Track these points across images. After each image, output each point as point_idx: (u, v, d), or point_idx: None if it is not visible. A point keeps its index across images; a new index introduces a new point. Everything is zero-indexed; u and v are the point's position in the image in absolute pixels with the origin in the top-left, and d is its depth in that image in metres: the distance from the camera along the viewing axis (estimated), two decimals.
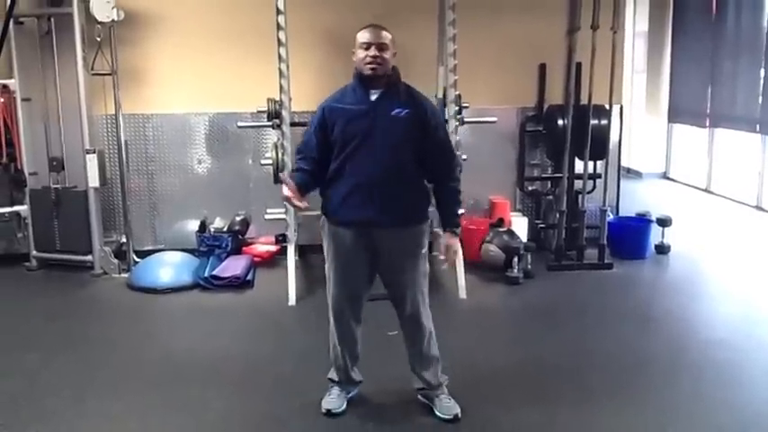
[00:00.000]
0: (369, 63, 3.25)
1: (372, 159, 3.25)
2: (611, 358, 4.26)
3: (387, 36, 3.31)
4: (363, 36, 3.30)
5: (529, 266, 5.86)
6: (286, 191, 3.19)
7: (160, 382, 3.97)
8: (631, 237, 6.46)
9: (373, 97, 3.30)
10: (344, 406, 3.54)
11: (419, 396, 3.61)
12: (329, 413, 3.49)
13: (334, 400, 3.53)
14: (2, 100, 5.92)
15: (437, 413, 3.51)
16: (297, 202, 3.21)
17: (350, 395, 3.61)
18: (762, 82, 7.98)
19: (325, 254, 3.47)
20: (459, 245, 3.51)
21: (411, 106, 3.32)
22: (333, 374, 3.61)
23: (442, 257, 3.51)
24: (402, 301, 3.45)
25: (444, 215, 3.48)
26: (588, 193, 6.29)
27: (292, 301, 5.21)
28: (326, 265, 3.47)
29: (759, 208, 8.36)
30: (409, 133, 3.29)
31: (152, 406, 3.69)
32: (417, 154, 3.33)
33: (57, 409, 3.64)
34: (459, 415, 3.47)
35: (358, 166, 3.27)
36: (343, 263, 3.39)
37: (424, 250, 3.46)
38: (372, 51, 3.25)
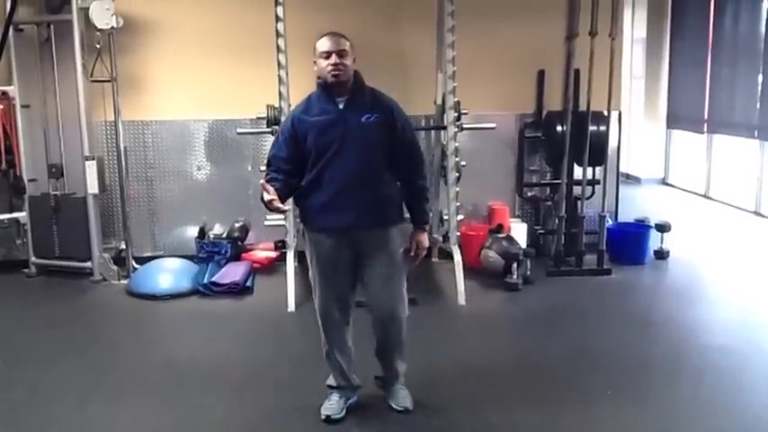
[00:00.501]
0: (331, 71, 3.30)
1: (347, 167, 3.31)
2: (610, 364, 4.26)
3: (345, 43, 3.36)
4: (323, 45, 3.35)
5: (528, 272, 5.86)
6: (267, 195, 3.20)
7: (161, 389, 3.96)
8: (630, 242, 6.46)
9: (341, 105, 3.36)
10: (344, 412, 3.54)
11: (376, 384, 3.72)
12: (329, 419, 3.48)
13: (333, 405, 3.53)
14: (1, 107, 5.92)
15: (391, 404, 3.62)
16: (279, 205, 3.21)
17: (349, 401, 3.61)
18: (760, 88, 8.00)
19: (309, 261, 3.51)
20: (427, 241, 3.55)
21: (378, 110, 3.38)
22: (331, 380, 3.62)
23: (411, 254, 3.52)
24: (381, 298, 3.50)
25: (413, 212, 3.55)
26: (587, 198, 6.29)
27: (292, 307, 5.21)
28: (311, 273, 3.52)
29: (758, 213, 8.37)
30: (380, 137, 3.36)
31: (154, 412, 3.69)
32: (388, 156, 3.40)
33: (59, 417, 3.64)
34: (411, 408, 3.59)
35: (334, 175, 3.32)
36: (328, 266, 3.43)
37: (399, 249, 3.51)
38: (333, 59, 3.29)
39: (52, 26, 5.97)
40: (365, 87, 3.43)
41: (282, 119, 5.45)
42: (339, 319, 3.51)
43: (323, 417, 3.49)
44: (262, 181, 3.26)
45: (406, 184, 3.50)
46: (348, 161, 3.30)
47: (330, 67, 3.29)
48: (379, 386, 3.73)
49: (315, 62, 3.37)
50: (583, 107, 6.20)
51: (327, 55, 3.31)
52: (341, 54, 3.30)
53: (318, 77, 3.39)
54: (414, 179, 3.50)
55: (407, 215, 3.58)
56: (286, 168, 3.36)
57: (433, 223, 6.31)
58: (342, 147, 3.29)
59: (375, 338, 3.62)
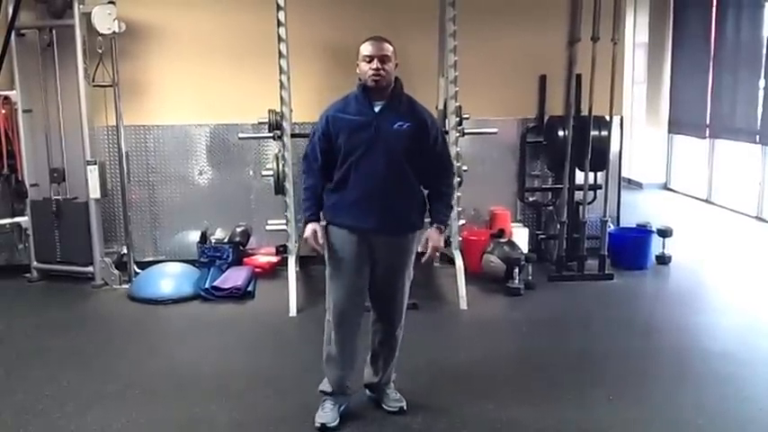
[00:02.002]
0: (372, 75, 3.33)
1: (374, 170, 3.35)
2: (612, 369, 4.26)
3: (389, 48, 3.38)
4: (366, 49, 3.36)
5: (530, 277, 5.86)
6: (312, 240, 3.39)
7: (163, 394, 3.96)
8: (632, 247, 6.46)
9: (377, 108, 3.39)
10: (338, 420, 3.51)
11: (366, 389, 3.74)
12: (324, 428, 3.46)
13: (327, 414, 3.51)
14: (3, 111, 5.93)
15: (385, 407, 3.66)
16: (318, 247, 3.39)
17: (342, 408, 3.59)
18: (761, 93, 8.00)
19: (327, 259, 3.52)
20: (441, 242, 3.57)
21: (412, 119, 3.41)
22: (326, 386, 3.59)
23: (422, 251, 3.55)
24: (388, 304, 3.56)
25: (433, 211, 3.57)
26: (589, 203, 6.29)
27: (293, 311, 5.21)
28: (328, 272, 3.53)
29: (760, 218, 8.36)
30: (410, 146, 3.39)
31: (155, 418, 3.68)
32: (416, 165, 3.43)
33: (61, 423, 3.63)
34: (405, 407, 3.63)
35: (361, 177, 3.36)
36: (346, 266, 3.45)
37: (413, 255, 3.57)
38: (375, 64, 3.32)
39: (54, 31, 5.98)
40: (403, 95, 3.47)
41: (284, 124, 5.47)
42: (354, 320, 3.54)
43: (317, 425, 3.47)
44: (310, 228, 3.40)
45: (432, 189, 3.54)
46: (375, 165, 3.34)
47: (371, 72, 3.32)
48: (369, 394, 3.75)
49: (357, 64, 3.40)
50: (585, 112, 6.20)
51: (370, 59, 3.34)
52: (383, 59, 3.33)
53: (359, 79, 3.41)
54: (440, 186, 3.55)
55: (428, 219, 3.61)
56: (320, 165, 3.45)
57: None
58: (370, 149, 3.34)
59: (373, 342, 3.64)
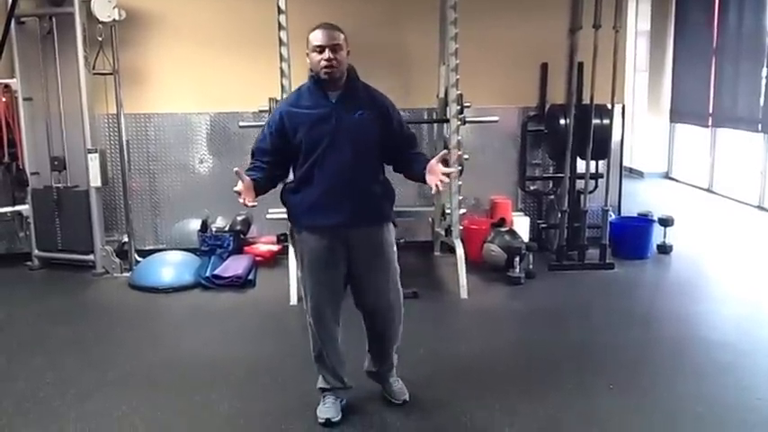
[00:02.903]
0: (325, 67, 3.19)
1: (339, 163, 3.23)
2: (612, 358, 4.26)
3: (340, 36, 3.25)
4: (316, 38, 3.22)
5: (530, 266, 5.86)
6: (239, 186, 3.13)
7: (163, 383, 3.97)
8: (633, 237, 6.45)
9: (333, 99, 3.27)
10: (340, 414, 3.50)
11: (369, 377, 3.70)
12: (328, 422, 3.44)
13: (330, 408, 3.49)
14: (3, 100, 5.93)
15: (388, 397, 3.62)
16: (248, 200, 3.14)
17: (343, 402, 3.57)
18: (764, 81, 7.96)
19: (299, 260, 3.45)
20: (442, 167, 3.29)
21: (372, 107, 3.31)
22: (322, 383, 3.56)
23: (436, 166, 3.24)
24: (377, 296, 3.45)
25: (418, 166, 3.34)
26: (590, 192, 6.28)
27: (294, 300, 5.21)
28: (301, 273, 3.47)
29: (761, 208, 8.35)
30: (374, 134, 3.29)
31: (156, 406, 3.69)
32: (381, 153, 3.35)
33: (62, 410, 3.64)
34: (408, 398, 3.59)
35: (326, 172, 3.24)
36: (319, 266, 3.35)
37: (394, 248, 3.46)
38: (327, 54, 3.18)
39: (54, 19, 5.96)
40: (359, 83, 3.35)
41: None
42: (331, 319, 3.45)
43: (321, 420, 3.45)
44: (236, 169, 3.17)
45: (403, 158, 3.43)
46: (340, 158, 3.22)
47: (324, 63, 3.18)
48: (372, 379, 3.70)
49: (307, 54, 3.26)
50: (586, 100, 6.17)
51: (321, 49, 3.19)
52: (334, 48, 3.19)
53: (311, 70, 3.28)
54: (412, 152, 3.45)
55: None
56: (270, 160, 3.30)
57: (436, 217, 6.32)
58: (333, 142, 3.21)
59: (371, 335, 3.57)
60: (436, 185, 3.21)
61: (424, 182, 3.30)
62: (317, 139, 3.22)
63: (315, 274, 3.37)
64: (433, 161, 3.26)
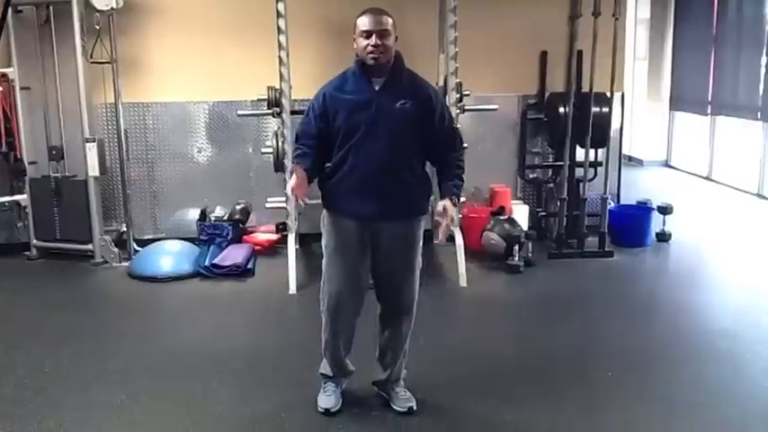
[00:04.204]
0: (371, 53, 3.10)
1: (376, 152, 3.15)
2: (612, 347, 4.26)
3: (388, 21, 3.15)
4: (363, 23, 3.13)
5: (530, 255, 5.85)
6: (293, 182, 3.04)
7: (163, 372, 3.97)
8: (632, 225, 6.45)
9: (377, 87, 3.17)
10: (341, 403, 3.49)
11: (375, 387, 3.59)
12: (328, 412, 3.43)
13: (330, 397, 3.48)
14: (1, 89, 5.90)
15: (393, 406, 3.48)
16: (301, 196, 3.11)
17: (342, 387, 3.57)
18: (763, 70, 7.96)
19: (325, 247, 3.36)
20: (455, 212, 3.30)
21: (416, 97, 3.20)
22: (326, 369, 3.53)
23: (437, 219, 3.22)
24: (396, 295, 3.40)
25: (445, 182, 3.30)
26: (589, 180, 6.27)
27: (293, 289, 5.21)
28: (325, 260, 3.37)
29: (760, 196, 8.36)
30: (414, 125, 3.19)
31: (156, 395, 3.70)
32: (422, 144, 3.25)
33: (61, 399, 3.64)
34: (415, 407, 3.45)
35: (361, 159, 3.16)
36: (348, 255, 3.29)
37: (421, 242, 3.38)
38: (374, 40, 3.09)
39: (51, 7, 5.92)
40: (404, 70, 3.24)
41: (283, 101, 5.44)
42: (352, 310, 3.39)
43: (321, 409, 3.44)
44: (293, 165, 3.15)
45: (442, 162, 3.33)
46: (377, 146, 3.14)
47: (370, 48, 3.09)
48: (378, 391, 3.60)
49: (354, 39, 3.17)
50: (585, 88, 6.16)
51: (368, 34, 3.10)
52: (382, 34, 3.10)
53: (357, 55, 3.19)
54: (451, 159, 3.31)
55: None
56: (316, 144, 3.22)
57: (435, 206, 6.29)
58: (372, 130, 3.13)
59: (381, 335, 3.49)
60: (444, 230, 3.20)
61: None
62: (355, 126, 3.15)
63: (339, 264, 3.31)
64: (439, 208, 3.19)
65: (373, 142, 3.15)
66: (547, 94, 6.51)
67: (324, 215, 3.37)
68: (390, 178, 3.19)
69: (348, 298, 3.35)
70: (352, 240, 3.27)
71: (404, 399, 3.48)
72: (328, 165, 3.30)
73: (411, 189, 3.28)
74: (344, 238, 3.28)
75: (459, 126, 5.47)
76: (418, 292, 3.46)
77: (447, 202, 3.20)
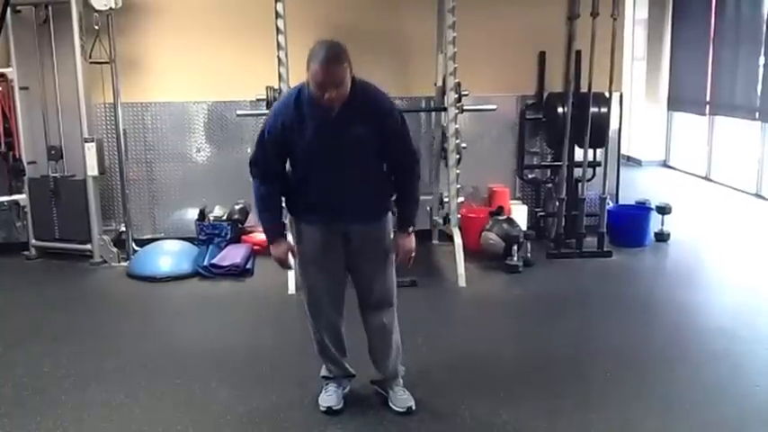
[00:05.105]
0: (326, 102, 2.99)
1: (337, 171, 3.16)
2: (610, 346, 4.26)
3: (342, 68, 2.96)
4: (316, 74, 2.94)
5: (528, 254, 5.86)
6: (277, 255, 3.35)
7: (162, 371, 3.97)
8: (631, 225, 6.46)
9: (333, 113, 3.07)
10: (342, 403, 3.50)
11: (374, 387, 3.60)
12: (330, 411, 3.44)
13: (332, 396, 3.49)
14: (0, 89, 5.90)
15: (391, 405, 3.48)
16: (291, 260, 3.36)
17: (345, 390, 3.57)
18: (761, 70, 7.97)
19: (296, 250, 3.39)
20: (413, 243, 3.40)
21: (372, 117, 3.14)
22: (325, 371, 3.56)
23: (397, 259, 3.40)
24: (371, 287, 3.41)
25: (400, 213, 3.38)
26: (588, 180, 6.28)
27: (292, 289, 5.20)
28: (298, 263, 3.43)
29: (759, 196, 8.37)
30: (373, 145, 3.18)
31: (154, 395, 3.70)
32: (380, 156, 3.26)
33: (60, 399, 3.65)
34: (414, 407, 3.45)
35: (323, 178, 3.19)
36: (318, 252, 3.30)
37: (391, 235, 3.42)
38: (328, 95, 2.96)
39: (50, 7, 5.93)
40: (358, 94, 3.08)
41: None
42: (329, 307, 3.40)
43: (323, 408, 3.45)
44: (280, 249, 3.36)
45: (398, 182, 3.33)
46: (337, 166, 3.15)
47: (325, 100, 2.98)
48: (378, 389, 3.60)
49: (307, 72, 2.99)
50: (584, 89, 6.17)
51: (321, 87, 2.95)
52: (338, 85, 2.96)
53: (308, 85, 3.04)
54: (404, 181, 3.34)
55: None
56: (277, 171, 3.24)
57: (434, 206, 6.32)
58: (331, 152, 3.11)
59: (367, 332, 3.50)
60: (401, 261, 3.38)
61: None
62: (313, 150, 3.14)
63: (312, 261, 3.34)
64: (397, 240, 3.37)
65: (334, 162, 3.14)
66: (545, 95, 6.51)
67: (290, 219, 3.42)
68: (352, 190, 3.22)
69: (324, 295, 3.38)
70: (320, 240, 3.29)
71: (402, 399, 3.48)
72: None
73: (373, 194, 3.31)
74: (313, 242, 3.31)
75: (456, 135, 5.55)
76: (395, 288, 3.48)
77: (403, 239, 3.36)
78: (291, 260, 3.40)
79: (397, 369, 3.56)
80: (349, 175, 3.19)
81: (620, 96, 6.65)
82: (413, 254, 3.42)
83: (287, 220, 3.49)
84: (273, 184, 3.28)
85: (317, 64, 2.93)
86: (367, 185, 3.27)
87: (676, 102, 10.26)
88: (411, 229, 3.39)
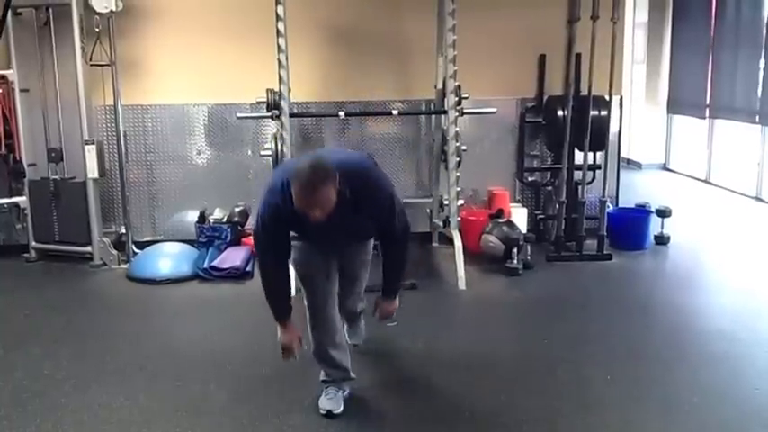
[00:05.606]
0: (312, 219, 2.97)
1: (336, 239, 3.37)
2: (610, 349, 4.27)
3: (325, 192, 2.90)
4: (299, 200, 2.91)
5: (528, 257, 5.86)
6: (288, 339, 3.41)
7: (162, 374, 3.97)
8: (631, 228, 6.46)
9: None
10: (342, 406, 3.51)
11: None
12: (330, 414, 3.45)
13: (332, 399, 3.50)
14: (0, 91, 5.90)
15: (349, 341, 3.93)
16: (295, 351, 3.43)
17: (345, 393, 3.58)
18: (761, 73, 7.97)
19: (295, 265, 3.52)
20: (395, 306, 3.62)
21: (365, 209, 3.18)
22: (324, 375, 3.57)
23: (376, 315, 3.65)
24: (353, 282, 3.77)
25: (386, 284, 3.54)
26: (588, 183, 6.28)
27: (292, 291, 5.19)
28: (300, 275, 3.55)
29: (758, 199, 8.37)
30: (365, 226, 3.36)
31: (154, 397, 3.70)
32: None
33: (60, 401, 3.65)
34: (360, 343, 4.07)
35: (322, 242, 3.40)
36: (317, 267, 3.46)
37: (372, 244, 3.75)
38: (313, 214, 2.93)
39: (51, 10, 5.93)
40: (346, 190, 3.01)
41: (282, 103, 5.43)
42: (331, 306, 3.50)
43: (323, 411, 3.46)
44: (288, 336, 3.41)
45: (385, 250, 3.43)
46: (336, 237, 3.33)
47: (311, 217, 2.95)
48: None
49: (291, 186, 2.93)
50: (584, 92, 6.17)
51: (306, 208, 2.93)
52: (322, 206, 2.92)
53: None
54: (394, 249, 3.42)
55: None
56: (284, 251, 3.28)
57: (434, 208, 6.32)
58: (330, 233, 3.17)
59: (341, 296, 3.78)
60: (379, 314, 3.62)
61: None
62: (312, 233, 3.27)
63: (310, 263, 3.45)
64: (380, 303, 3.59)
65: (332, 236, 3.28)
66: (545, 98, 6.51)
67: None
68: (348, 243, 3.57)
69: (327, 296, 3.50)
70: (319, 259, 3.48)
71: (357, 334, 4.12)
72: None
73: (367, 238, 3.66)
74: (312, 256, 3.48)
75: (456, 138, 5.55)
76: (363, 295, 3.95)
77: (384, 303, 3.58)
78: (296, 349, 3.43)
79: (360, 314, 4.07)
80: (346, 239, 3.49)
81: (620, 99, 6.65)
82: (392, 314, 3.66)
83: None
84: (285, 280, 3.38)
85: (300, 189, 2.89)
86: (362, 238, 3.62)
87: (676, 105, 10.27)
88: (395, 296, 3.60)
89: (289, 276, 3.40)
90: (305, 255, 3.45)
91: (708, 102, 9.21)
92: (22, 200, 6.08)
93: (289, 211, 3.02)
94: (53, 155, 6.08)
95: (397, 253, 3.46)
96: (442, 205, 6.11)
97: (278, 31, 5.34)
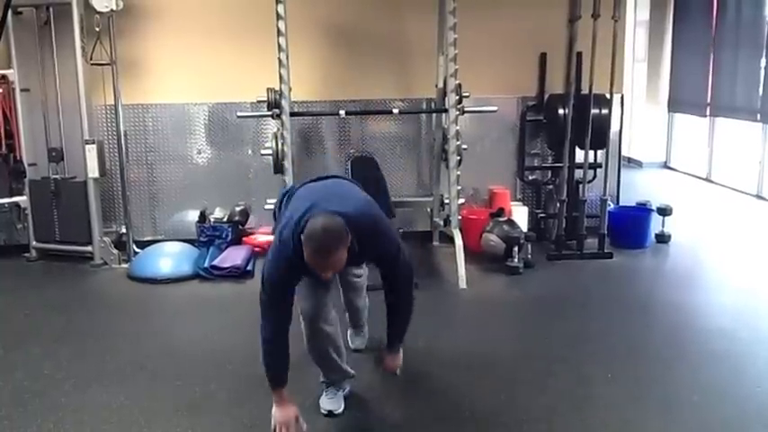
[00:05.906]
0: (323, 278, 3.04)
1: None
2: (610, 347, 4.26)
3: (338, 254, 2.88)
4: (313, 262, 2.89)
5: (529, 256, 5.86)
6: (284, 417, 3.15)
7: (162, 373, 3.97)
8: (632, 226, 6.45)
9: None
10: (343, 406, 3.51)
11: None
12: (330, 414, 3.44)
13: (333, 400, 3.50)
14: (0, 91, 5.91)
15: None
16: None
17: (345, 392, 3.58)
18: (762, 71, 7.97)
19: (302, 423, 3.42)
20: (400, 360, 3.51)
21: (367, 253, 3.16)
22: (323, 377, 3.56)
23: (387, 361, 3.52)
24: (352, 275, 3.93)
25: (390, 336, 3.44)
26: (589, 182, 6.28)
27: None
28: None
29: (759, 197, 8.36)
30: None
31: (155, 397, 3.70)
32: None
33: (60, 401, 3.64)
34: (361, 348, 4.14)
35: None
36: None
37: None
38: (325, 275, 2.97)
39: (51, 9, 5.93)
40: (355, 245, 2.97)
41: (283, 102, 5.43)
42: (329, 307, 3.41)
43: (324, 411, 3.45)
44: (285, 414, 3.15)
45: (390, 298, 3.33)
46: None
47: (323, 277, 3.00)
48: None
49: (304, 245, 2.87)
50: (585, 90, 6.16)
51: (318, 269, 2.93)
52: (335, 267, 2.95)
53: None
54: (398, 296, 3.34)
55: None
56: (286, 341, 3.14)
57: (434, 207, 6.32)
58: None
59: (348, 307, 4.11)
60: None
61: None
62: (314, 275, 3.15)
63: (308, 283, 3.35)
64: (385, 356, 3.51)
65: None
66: (546, 96, 6.51)
67: None
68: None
69: (324, 297, 3.39)
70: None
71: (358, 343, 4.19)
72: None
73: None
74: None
75: (457, 137, 5.55)
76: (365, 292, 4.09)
77: (389, 357, 3.49)
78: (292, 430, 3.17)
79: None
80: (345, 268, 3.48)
81: (621, 98, 6.64)
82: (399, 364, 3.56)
83: None
84: (282, 337, 3.13)
85: (313, 252, 2.85)
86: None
87: (677, 103, 10.26)
88: (399, 349, 3.50)
89: (288, 345, 3.14)
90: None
91: (709, 100, 9.20)
92: (22, 199, 6.09)
93: (297, 271, 3.03)
94: (54, 154, 6.08)
95: (401, 302, 3.35)
96: (442, 204, 6.11)
97: (278, 30, 5.34)
